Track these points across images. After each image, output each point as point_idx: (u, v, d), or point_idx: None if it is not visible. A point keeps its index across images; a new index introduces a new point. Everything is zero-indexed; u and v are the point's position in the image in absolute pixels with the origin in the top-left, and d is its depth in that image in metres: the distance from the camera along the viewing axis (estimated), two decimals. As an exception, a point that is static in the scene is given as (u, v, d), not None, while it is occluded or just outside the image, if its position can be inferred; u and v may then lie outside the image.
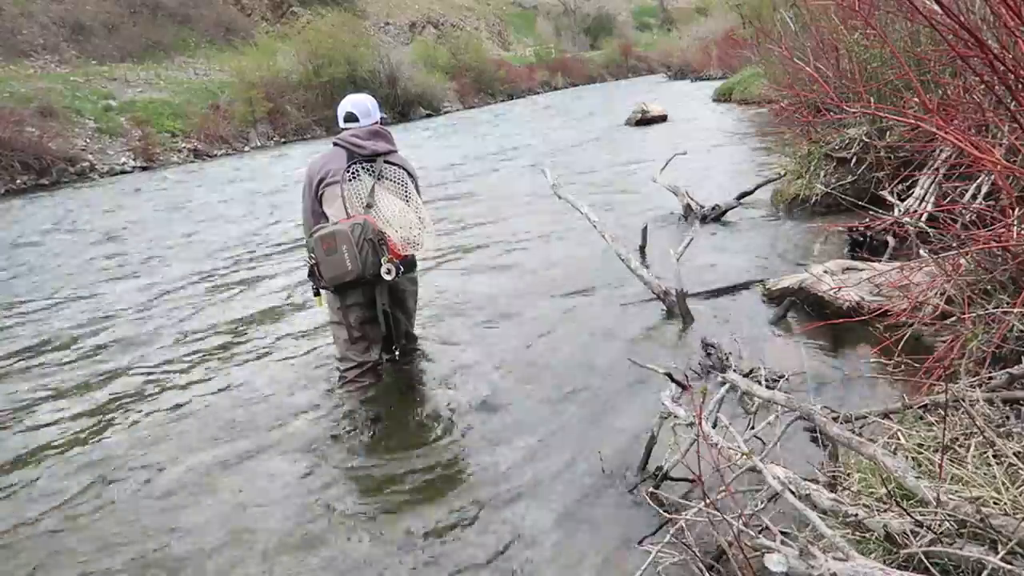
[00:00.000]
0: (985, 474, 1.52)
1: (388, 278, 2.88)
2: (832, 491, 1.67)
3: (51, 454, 2.93)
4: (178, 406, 3.28)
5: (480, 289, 4.54)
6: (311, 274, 2.96)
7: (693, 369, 2.98)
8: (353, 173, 2.98)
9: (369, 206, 2.95)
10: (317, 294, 3.05)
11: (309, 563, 2.10)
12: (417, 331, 3.67)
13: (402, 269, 2.95)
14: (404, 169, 3.09)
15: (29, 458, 2.92)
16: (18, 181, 13.28)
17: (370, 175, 3.00)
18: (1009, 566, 1.20)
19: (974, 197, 3.21)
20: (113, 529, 2.36)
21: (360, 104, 3.17)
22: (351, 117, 3.13)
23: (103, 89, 19.05)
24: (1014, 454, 1.56)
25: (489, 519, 2.20)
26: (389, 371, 3.32)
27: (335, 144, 3.10)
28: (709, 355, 3.05)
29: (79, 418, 3.27)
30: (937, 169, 3.78)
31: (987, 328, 2.17)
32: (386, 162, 3.05)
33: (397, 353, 3.28)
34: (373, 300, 3.01)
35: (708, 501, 1.59)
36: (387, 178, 3.03)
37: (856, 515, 1.46)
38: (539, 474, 2.41)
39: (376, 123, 3.15)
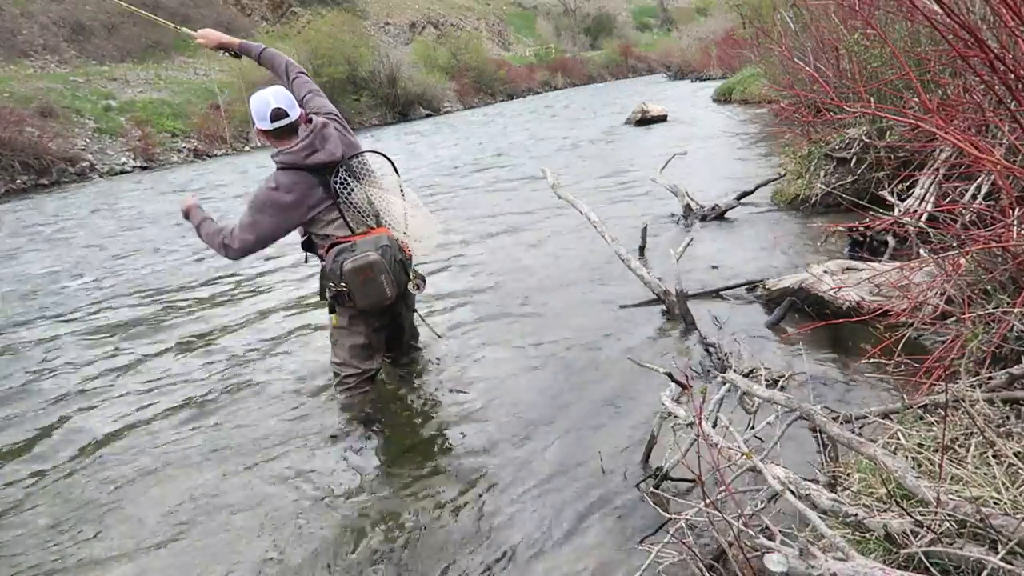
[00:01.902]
0: (985, 474, 1.52)
1: (416, 293, 2.84)
2: (832, 491, 1.67)
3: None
4: (166, 410, 3.27)
5: (478, 289, 4.54)
6: (335, 298, 2.78)
7: (693, 369, 2.98)
8: (342, 183, 2.75)
9: (377, 215, 2.82)
10: (332, 311, 2.88)
11: (305, 563, 2.10)
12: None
13: (425, 279, 2.92)
14: (376, 154, 2.89)
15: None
16: (18, 181, 13.28)
17: (353, 179, 2.78)
18: (1009, 566, 1.20)
19: (974, 197, 3.21)
20: (107, 530, 2.36)
21: (281, 95, 2.71)
22: (280, 114, 2.68)
23: (103, 89, 19.08)
24: (1014, 454, 1.56)
25: (488, 519, 2.20)
26: (387, 371, 3.31)
27: (287, 167, 2.70)
28: (710, 355, 3.05)
29: (64, 404, 3.28)
30: (937, 169, 3.78)
31: (987, 328, 2.17)
32: (351, 157, 2.81)
33: (404, 359, 3.21)
34: (388, 310, 2.91)
35: (708, 501, 1.60)
36: (366, 174, 2.84)
37: (856, 515, 1.46)
38: (539, 474, 2.41)
39: (302, 114, 2.78)
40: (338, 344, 2.97)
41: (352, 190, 2.77)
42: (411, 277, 2.82)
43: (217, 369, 3.69)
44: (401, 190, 2.90)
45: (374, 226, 2.83)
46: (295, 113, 2.72)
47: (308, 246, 2.93)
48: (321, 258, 2.87)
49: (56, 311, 5.16)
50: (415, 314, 3.29)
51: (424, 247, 2.93)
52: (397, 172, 2.92)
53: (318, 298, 3.00)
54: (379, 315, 2.91)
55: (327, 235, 2.80)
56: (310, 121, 2.78)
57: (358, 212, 2.78)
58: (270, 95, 2.70)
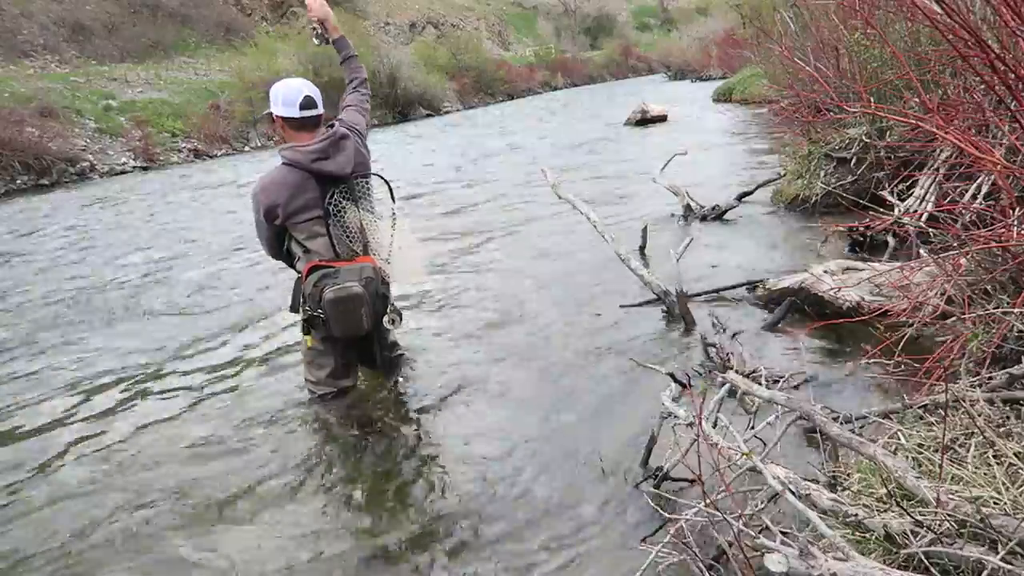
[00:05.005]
0: (985, 474, 1.52)
1: (392, 327, 2.76)
2: (832, 491, 1.67)
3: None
4: (143, 425, 3.18)
5: (477, 289, 4.53)
6: (309, 321, 2.70)
7: (695, 369, 2.98)
8: (336, 206, 2.66)
9: (365, 245, 2.75)
10: (307, 333, 2.77)
11: (301, 568, 2.10)
12: (408, 332, 3.66)
13: (402, 315, 2.87)
14: (379, 177, 2.83)
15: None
16: (18, 181, 13.27)
17: (349, 200, 2.70)
18: (1009, 566, 1.20)
19: (974, 197, 3.21)
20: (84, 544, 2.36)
21: (312, 87, 2.65)
22: (310, 103, 2.62)
23: (103, 89, 19.05)
24: (1014, 454, 1.56)
25: (488, 520, 2.20)
26: (379, 377, 3.22)
27: (291, 164, 2.61)
28: (710, 355, 3.05)
29: (48, 416, 3.27)
30: (937, 169, 3.78)
31: (987, 328, 2.17)
32: (357, 176, 2.74)
33: (379, 364, 3.12)
34: (363, 335, 2.82)
35: (708, 501, 1.60)
36: (364, 197, 2.77)
37: (856, 515, 1.46)
38: (539, 474, 2.41)
39: (325, 114, 2.72)
40: (312, 364, 2.90)
41: (345, 211, 2.69)
42: (388, 311, 2.73)
43: (194, 376, 3.63)
44: (393, 217, 2.81)
45: (360, 253, 2.75)
46: (321, 108, 2.68)
47: (288, 257, 2.83)
48: (299, 272, 2.78)
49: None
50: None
51: (404, 279, 2.86)
52: (394, 199, 2.84)
53: (289, 310, 2.91)
54: (349, 341, 2.83)
55: (309, 250, 2.70)
56: (332, 126, 2.71)
57: (347, 235, 2.70)
58: (301, 83, 2.65)
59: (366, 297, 2.63)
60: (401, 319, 2.84)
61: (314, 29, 2.95)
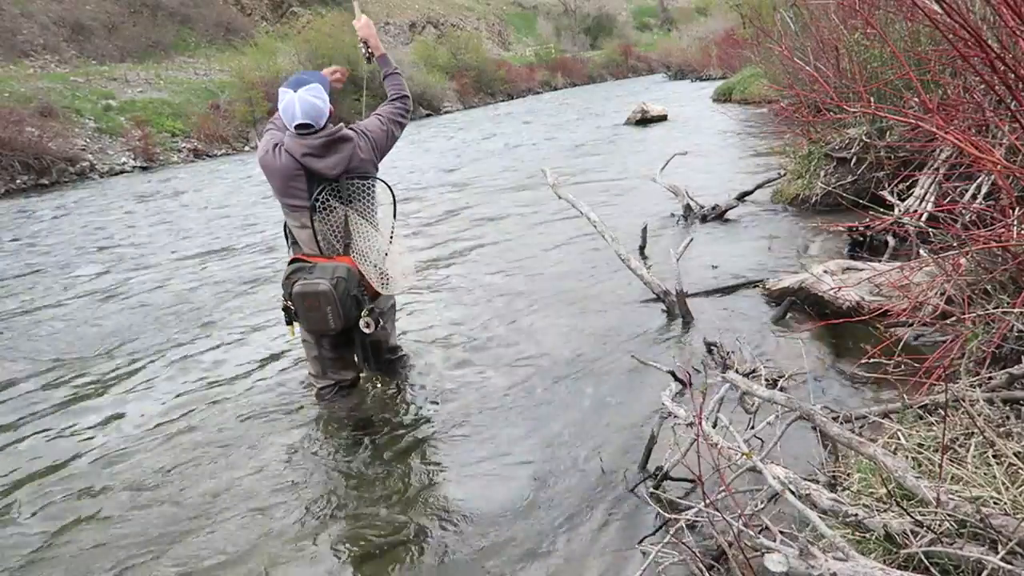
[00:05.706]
0: (985, 474, 1.52)
1: (367, 331, 2.75)
2: (832, 491, 1.67)
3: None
4: (150, 417, 3.23)
5: (477, 289, 4.54)
6: (285, 311, 2.77)
7: (695, 368, 2.98)
8: (322, 203, 2.68)
9: (347, 245, 2.75)
10: (289, 323, 2.83)
11: (303, 567, 2.09)
12: (411, 332, 3.64)
13: (381, 322, 2.83)
14: (380, 182, 2.83)
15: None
16: (18, 181, 13.28)
17: (339, 200, 2.71)
18: (1009, 566, 1.20)
19: (974, 197, 3.21)
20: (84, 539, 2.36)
21: (310, 109, 2.60)
22: (304, 126, 2.64)
23: (103, 89, 19.07)
24: (1014, 454, 1.56)
25: (488, 520, 2.20)
26: (378, 377, 3.22)
27: (288, 152, 2.65)
28: (710, 355, 3.05)
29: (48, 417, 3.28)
30: (937, 169, 3.78)
31: (987, 328, 2.17)
32: (353, 178, 2.73)
33: (376, 365, 3.09)
34: (342, 334, 2.81)
35: (708, 501, 1.60)
36: (357, 199, 2.76)
37: (856, 515, 1.46)
38: (538, 474, 2.41)
39: (328, 122, 2.70)
40: (307, 356, 2.97)
41: (333, 210, 2.70)
42: (362, 315, 2.72)
43: (198, 377, 3.64)
44: (392, 231, 2.82)
45: (341, 252, 2.76)
46: (320, 122, 2.66)
47: (287, 241, 2.91)
48: None
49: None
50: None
51: (390, 289, 2.84)
52: (395, 210, 2.86)
53: None
54: (332, 337, 2.83)
55: (296, 242, 2.78)
56: (339, 126, 2.72)
57: (332, 233, 2.72)
58: (299, 109, 2.60)
59: (333, 296, 2.62)
60: (378, 325, 2.81)
61: (360, 47, 3.07)
